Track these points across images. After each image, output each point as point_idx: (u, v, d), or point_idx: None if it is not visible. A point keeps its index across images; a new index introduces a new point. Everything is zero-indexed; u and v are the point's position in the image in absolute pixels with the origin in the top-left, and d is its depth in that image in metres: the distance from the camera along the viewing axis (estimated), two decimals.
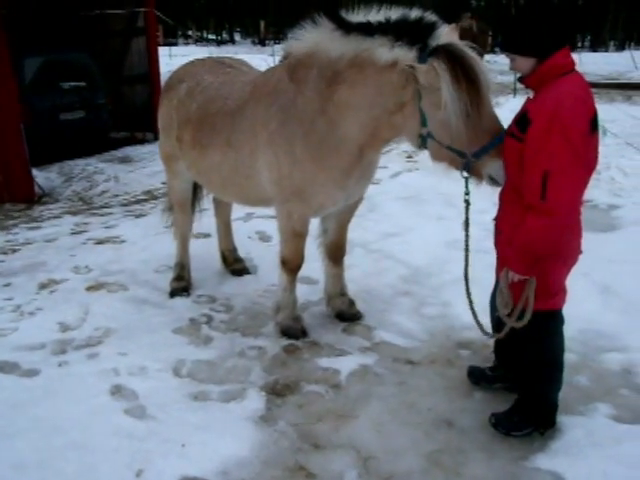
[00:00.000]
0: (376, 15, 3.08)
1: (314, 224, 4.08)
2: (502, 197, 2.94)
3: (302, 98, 3.37)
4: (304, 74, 3.37)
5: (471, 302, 3.12)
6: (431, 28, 2.91)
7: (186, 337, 4.00)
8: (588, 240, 5.34)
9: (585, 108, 2.54)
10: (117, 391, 3.35)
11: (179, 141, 4.18)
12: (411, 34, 2.90)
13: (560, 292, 2.87)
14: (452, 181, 6.39)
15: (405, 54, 2.89)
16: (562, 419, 3.07)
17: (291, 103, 3.41)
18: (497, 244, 3.02)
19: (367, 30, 3.04)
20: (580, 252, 2.84)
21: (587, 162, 2.59)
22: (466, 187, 2.97)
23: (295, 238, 3.78)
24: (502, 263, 2.91)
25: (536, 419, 3.00)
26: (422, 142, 3.02)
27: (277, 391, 3.39)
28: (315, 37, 3.28)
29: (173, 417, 3.12)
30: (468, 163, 2.87)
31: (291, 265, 3.89)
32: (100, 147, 11.99)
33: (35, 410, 3.15)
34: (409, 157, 9.55)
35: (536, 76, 2.62)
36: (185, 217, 4.75)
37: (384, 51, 2.96)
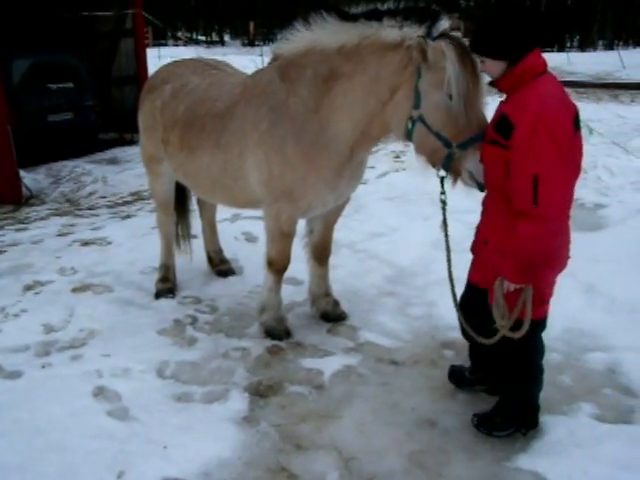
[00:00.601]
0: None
1: (300, 224, 4.08)
2: (486, 205, 2.91)
3: (294, 98, 3.38)
4: (297, 74, 3.39)
5: (457, 304, 3.09)
6: (437, 14, 2.94)
7: (170, 338, 3.99)
8: (574, 239, 5.44)
9: (566, 108, 2.53)
10: (100, 392, 3.34)
11: (165, 143, 4.16)
12: (419, 15, 2.94)
13: (549, 300, 2.85)
14: (438, 181, 6.40)
15: (414, 32, 2.92)
16: (545, 419, 3.09)
17: (282, 103, 3.42)
18: (476, 251, 3.00)
19: (375, 15, 3.08)
20: (569, 257, 2.80)
21: (574, 162, 2.58)
22: (442, 187, 2.97)
23: (282, 239, 3.77)
24: (485, 271, 2.87)
25: (518, 420, 3.00)
26: (411, 126, 2.96)
27: (260, 392, 3.39)
28: (311, 35, 3.30)
29: (155, 418, 3.11)
30: (451, 155, 2.84)
31: (277, 266, 3.89)
32: (88, 148, 11.93)
33: (17, 412, 3.14)
34: (397, 157, 9.58)
35: (509, 79, 2.58)
36: (168, 218, 4.73)
37: (392, 30, 3.00)
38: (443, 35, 2.87)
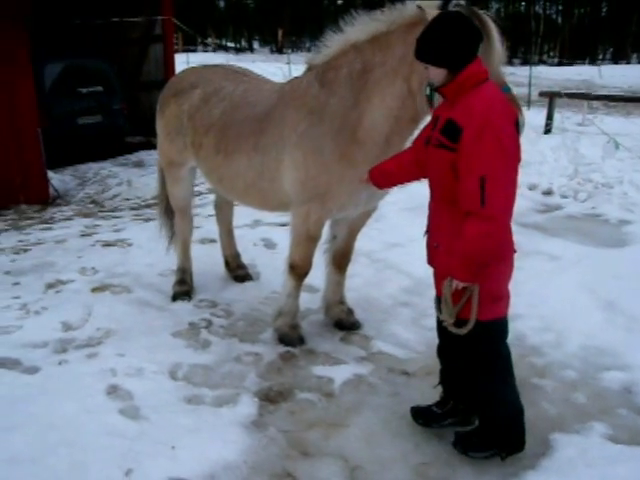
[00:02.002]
0: None
1: (324, 230, 4.07)
2: (432, 209, 2.94)
3: (333, 98, 3.47)
4: (334, 76, 3.49)
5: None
6: None
7: (185, 341, 4.04)
8: (595, 255, 5.41)
9: (509, 113, 2.58)
10: (113, 391, 3.40)
11: (196, 147, 4.18)
12: None
13: (504, 297, 2.81)
14: None
15: (431, 4, 3.00)
16: (556, 437, 3.06)
17: (322, 106, 3.50)
18: (434, 258, 2.94)
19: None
20: (514, 251, 2.79)
21: (517, 163, 2.62)
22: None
23: (308, 242, 3.80)
24: (443, 274, 2.82)
25: (498, 442, 2.89)
26: (430, 92, 2.99)
27: (270, 397, 3.41)
28: (344, 36, 3.44)
29: (165, 419, 3.15)
30: None
31: (299, 270, 3.90)
32: (115, 151, 12.16)
33: (32, 406, 3.20)
34: None
35: (453, 86, 2.63)
36: (186, 223, 4.80)
37: (413, 7, 3.10)
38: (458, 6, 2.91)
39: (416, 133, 3.45)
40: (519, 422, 2.87)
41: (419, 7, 3.02)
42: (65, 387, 3.39)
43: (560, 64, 40.07)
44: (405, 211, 7.08)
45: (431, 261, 3.00)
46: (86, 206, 8.42)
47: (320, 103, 3.51)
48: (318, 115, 3.50)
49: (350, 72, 3.41)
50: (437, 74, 2.66)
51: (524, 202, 7.66)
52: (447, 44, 2.58)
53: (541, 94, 11.21)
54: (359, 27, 3.38)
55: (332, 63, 3.50)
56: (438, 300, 2.89)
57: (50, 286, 4.97)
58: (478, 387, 2.90)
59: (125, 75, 13.11)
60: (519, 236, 6.30)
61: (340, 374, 3.62)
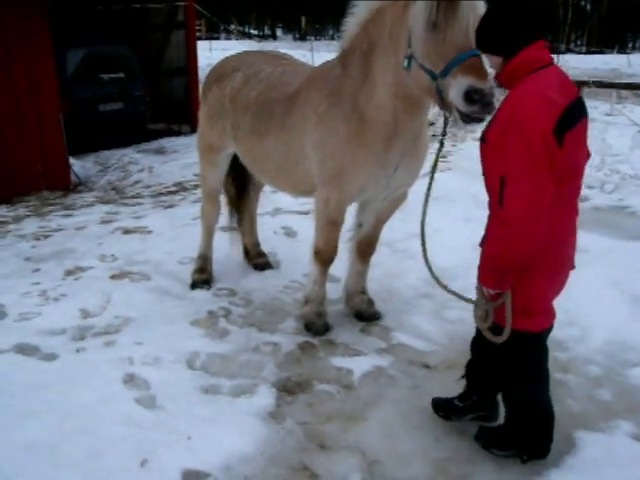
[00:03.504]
0: None
1: (349, 217, 4.01)
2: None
3: (350, 80, 3.45)
4: (351, 58, 3.47)
5: (425, 251, 3.28)
6: None
7: (203, 329, 4.01)
8: (622, 248, 5.25)
9: (550, 106, 2.29)
10: (130, 380, 3.38)
11: (235, 128, 4.17)
12: None
13: (541, 313, 2.61)
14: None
15: None
16: (581, 435, 2.97)
17: (341, 86, 3.49)
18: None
19: None
20: (572, 267, 2.63)
21: (560, 166, 2.32)
22: (444, 127, 2.97)
23: (330, 226, 3.74)
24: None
25: (520, 444, 2.79)
26: (407, 65, 2.96)
27: (288, 388, 3.36)
28: (353, 18, 3.41)
29: (182, 409, 3.12)
30: (439, 88, 2.78)
31: (323, 256, 3.86)
32: (137, 138, 12.19)
33: (50, 394, 3.20)
34: (442, 157, 9.40)
35: (505, 74, 2.45)
36: (214, 208, 4.76)
37: None
38: None
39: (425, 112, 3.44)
40: (547, 428, 2.77)
41: None
42: (82, 375, 3.38)
43: (588, 52, 39.26)
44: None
45: None
46: (107, 193, 8.46)
47: (339, 85, 3.50)
48: (337, 97, 3.49)
49: (360, 53, 3.39)
50: (494, 63, 2.53)
51: None
52: (497, 29, 2.43)
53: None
54: (362, 6, 3.34)
55: (351, 45, 3.49)
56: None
57: (69, 273, 4.98)
58: (510, 387, 2.80)
59: (147, 62, 13.11)
60: None
61: (359, 366, 3.56)
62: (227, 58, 4.63)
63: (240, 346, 3.80)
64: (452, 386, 3.38)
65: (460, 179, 7.94)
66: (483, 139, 2.51)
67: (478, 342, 2.94)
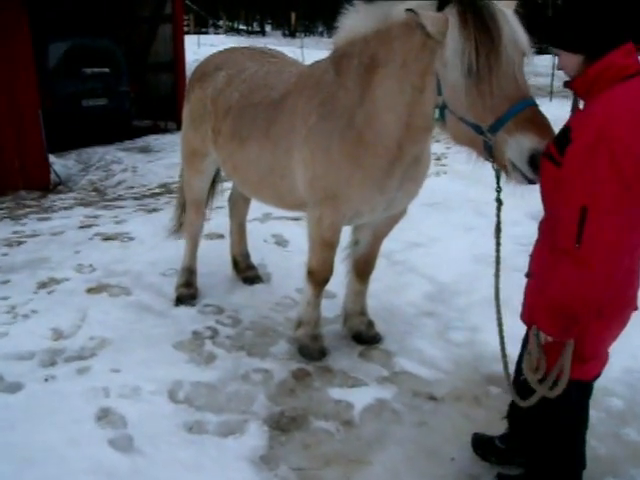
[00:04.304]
0: None
1: (345, 233, 3.70)
2: (540, 230, 2.38)
3: (343, 91, 3.03)
4: (347, 65, 3.04)
5: (502, 343, 2.55)
6: None
7: (187, 354, 3.64)
8: None
9: None
10: (104, 416, 3.01)
11: (216, 133, 3.79)
12: None
13: (595, 359, 2.29)
14: (482, 187, 5.82)
15: (424, 5, 2.47)
16: None
17: (332, 97, 3.07)
18: (526, 286, 2.46)
19: None
20: (635, 308, 2.25)
21: None
22: (497, 182, 2.41)
23: (324, 248, 3.40)
24: (528, 312, 2.38)
25: None
26: (439, 116, 2.55)
27: (282, 425, 3.01)
28: (351, 22, 2.99)
29: (162, 452, 2.76)
30: (488, 143, 2.33)
31: (317, 277, 3.51)
32: (121, 135, 11.78)
33: (10, 434, 2.82)
34: (437, 159, 9.10)
35: (584, 80, 2.04)
36: (198, 218, 4.39)
37: (406, 5, 2.52)
38: (456, 1, 2.37)
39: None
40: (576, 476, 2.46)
41: (410, 11, 2.40)
42: (50, 410, 3.00)
43: None
44: (426, 207, 6.62)
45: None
46: (88, 194, 8.05)
47: (331, 94, 3.07)
48: (329, 108, 3.06)
49: (359, 64, 2.96)
50: (568, 63, 2.11)
51: None
52: (581, 21, 2.03)
53: (566, 85, 10.57)
54: (364, 16, 2.89)
55: (347, 49, 3.04)
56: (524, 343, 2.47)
57: (42, 285, 4.59)
58: (542, 432, 2.45)
59: (132, 56, 12.68)
60: None
61: (360, 398, 3.22)
62: (211, 55, 4.24)
63: (228, 374, 3.44)
64: (462, 422, 3.08)
65: (457, 184, 7.63)
66: (552, 158, 2.09)
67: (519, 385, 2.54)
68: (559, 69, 2.20)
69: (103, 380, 3.30)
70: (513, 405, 2.66)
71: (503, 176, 2.40)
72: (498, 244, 2.50)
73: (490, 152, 2.36)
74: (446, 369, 3.56)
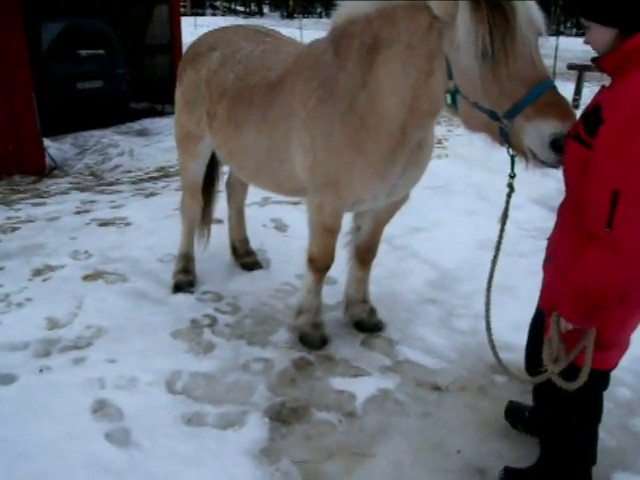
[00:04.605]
0: None
1: (346, 219, 3.61)
2: (560, 214, 2.31)
3: (344, 73, 2.88)
4: (347, 45, 2.88)
5: (488, 323, 2.55)
6: None
7: (185, 343, 3.56)
8: None
9: None
10: (100, 408, 2.93)
11: (211, 117, 3.65)
12: None
13: (616, 346, 2.21)
14: (484, 170, 5.68)
15: None
16: (620, 475, 2.58)
17: (333, 78, 2.92)
18: (545, 269, 2.40)
19: None
20: None
21: None
22: (511, 168, 2.32)
23: (325, 234, 3.29)
24: (547, 297, 2.33)
25: None
26: (451, 101, 2.43)
27: (283, 417, 2.94)
28: (353, 0, 2.84)
29: (160, 446, 2.68)
30: (504, 130, 2.23)
31: (318, 264, 3.42)
32: (118, 118, 11.61)
33: (3, 429, 2.74)
34: (439, 142, 8.96)
35: (616, 56, 1.93)
36: (195, 203, 4.28)
37: None
38: None
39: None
40: (588, 476, 2.40)
41: None
42: (45, 402, 2.92)
43: (578, 35, 38.75)
44: (428, 190, 6.50)
45: (544, 267, 2.42)
46: (84, 178, 7.92)
47: (331, 75, 2.92)
48: (329, 90, 2.92)
49: (361, 45, 2.81)
50: (599, 37, 1.97)
51: (551, 182, 7.10)
52: None
53: (570, 67, 10.41)
54: None
55: (348, 29, 2.89)
56: (537, 312, 2.44)
57: (37, 272, 4.50)
58: (555, 423, 2.40)
59: (128, 38, 12.46)
60: (549, 222, 5.81)
61: (363, 388, 3.14)
62: (204, 35, 4.08)
63: (227, 363, 3.36)
64: (466, 413, 3.01)
65: (458, 167, 7.51)
66: (580, 139, 1.99)
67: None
68: (586, 43, 2.08)
69: (99, 371, 3.22)
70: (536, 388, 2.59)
71: (517, 162, 2.30)
72: (502, 230, 2.42)
73: (506, 138, 2.26)
74: (450, 358, 3.49)
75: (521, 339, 3.64)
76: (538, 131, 2.12)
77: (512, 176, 2.32)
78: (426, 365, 3.39)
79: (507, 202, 2.37)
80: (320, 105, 2.93)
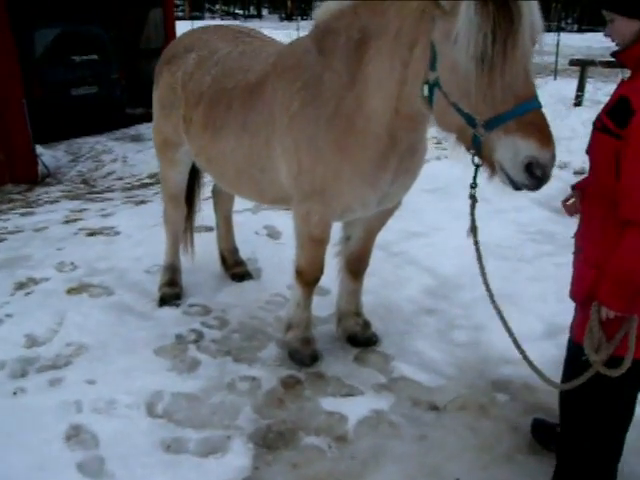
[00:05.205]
0: None
1: (336, 228, 3.44)
2: (583, 206, 2.27)
3: (329, 73, 2.69)
4: (332, 43, 2.69)
5: (509, 329, 2.34)
6: None
7: (169, 360, 3.38)
8: None
9: None
10: (75, 434, 2.75)
11: (187, 122, 3.48)
12: None
13: None
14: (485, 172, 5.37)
15: None
16: None
17: (317, 79, 2.73)
18: (575, 260, 2.32)
19: None
20: None
21: None
22: (474, 178, 2.20)
23: (313, 245, 3.11)
24: (579, 288, 2.24)
25: None
26: (428, 94, 2.24)
27: (268, 442, 2.75)
28: None
29: (135, 476, 2.51)
30: (477, 138, 2.07)
31: (307, 277, 3.23)
32: (113, 124, 11.47)
33: None
34: (438, 143, 8.77)
35: (638, 49, 1.94)
36: (178, 213, 4.11)
37: None
38: None
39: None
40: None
41: None
42: (17, 429, 2.75)
43: (580, 30, 38.52)
44: (426, 193, 6.34)
45: (573, 265, 2.35)
46: (76, 186, 7.77)
47: (315, 76, 2.73)
48: (313, 92, 2.72)
49: (348, 40, 2.62)
50: (622, 30, 1.96)
51: (555, 183, 6.86)
52: None
53: (572, 63, 10.22)
54: None
55: (332, 25, 2.71)
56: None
57: (20, 286, 4.33)
58: (582, 425, 2.28)
59: (123, 42, 12.32)
60: (552, 225, 5.65)
61: (355, 409, 2.96)
62: (181, 35, 3.92)
63: (212, 382, 3.19)
64: (465, 435, 2.83)
65: (459, 169, 7.31)
66: (609, 131, 1.96)
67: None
68: (607, 36, 2.08)
69: (76, 393, 3.04)
70: (564, 395, 2.44)
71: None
72: (476, 244, 2.30)
73: (478, 147, 2.10)
74: (448, 374, 3.30)
75: (526, 352, 3.50)
76: (515, 148, 1.99)
77: (473, 186, 2.20)
78: (422, 382, 3.20)
79: (472, 214, 2.26)
80: (304, 109, 2.75)
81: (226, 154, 3.23)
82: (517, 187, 2.09)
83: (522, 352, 2.33)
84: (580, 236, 2.26)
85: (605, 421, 2.22)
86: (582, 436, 2.28)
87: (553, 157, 1.99)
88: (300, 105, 2.76)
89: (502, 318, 2.32)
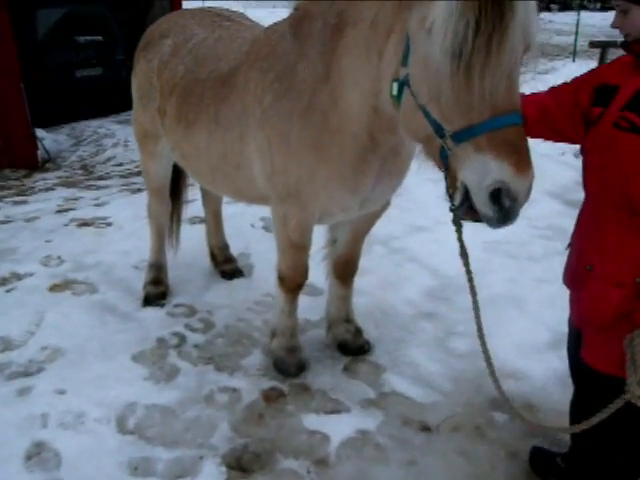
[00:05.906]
0: None
1: (322, 231, 3.22)
2: (587, 216, 2.02)
3: (304, 62, 2.41)
4: (308, 28, 2.41)
5: (491, 366, 2.12)
6: None
7: (147, 368, 3.19)
8: None
9: None
10: (36, 453, 2.57)
11: (161, 114, 3.26)
12: None
13: None
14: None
15: None
16: None
17: (291, 69, 2.45)
18: (580, 284, 2.04)
19: None
20: None
21: None
22: (451, 200, 1.83)
23: (293, 250, 2.87)
24: (593, 310, 1.97)
25: None
26: (397, 92, 1.93)
27: (243, 464, 2.55)
28: None
29: None
30: (444, 152, 1.76)
31: (289, 283, 3.01)
32: (117, 106, 11.25)
33: None
34: None
35: None
36: (162, 208, 3.90)
37: None
38: None
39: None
40: None
41: None
42: None
43: (603, 9, 37.39)
44: (430, 182, 6.03)
45: (573, 284, 2.10)
46: (74, 172, 7.58)
47: (289, 66, 2.47)
48: (287, 84, 2.44)
49: (324, 26, 2.34)
50: (635, 19, 1.78)
51: (569, 172, 6.61)
52: None
53: (592, 44, 9.75)
54: None
55: (310, 8, 2.44)
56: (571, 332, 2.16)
57: (3, 282, 4.15)
58: (605, 446, 2.06)
59: (129, 23, 12.03)
60: (564, 219, 5.33)
61: (339, 429, 2.73)
62: (160, 19, 3.66)
63: (189, 394, 2.99)
64: (460, 462, 2.59)
65: None
66: (636, 129, 1.73)
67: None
68: (614, 27, 1.88)
69: (44, 404, 2.86)
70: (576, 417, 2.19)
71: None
72: (469, 272, 1.99)
73: (445, 162, 1.77)
74: (443, 389, 3.06)
75: (529, 365, 3.26)
76: (484, 167, 1.66)
77: (454, 209, 1.83)
78: (415, 398, 2.97)
79: (459, 239, 1.95)
80: (277, 102, 2.48)
81: (200, 150, 3.00)
82: (477, 219, 1.78)
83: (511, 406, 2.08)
84: (587, 250, 1.99)
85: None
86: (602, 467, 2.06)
87: (528, 188, 1.65)
88: (273, 98, 2.50)
89: (486, 351, 2.09)
